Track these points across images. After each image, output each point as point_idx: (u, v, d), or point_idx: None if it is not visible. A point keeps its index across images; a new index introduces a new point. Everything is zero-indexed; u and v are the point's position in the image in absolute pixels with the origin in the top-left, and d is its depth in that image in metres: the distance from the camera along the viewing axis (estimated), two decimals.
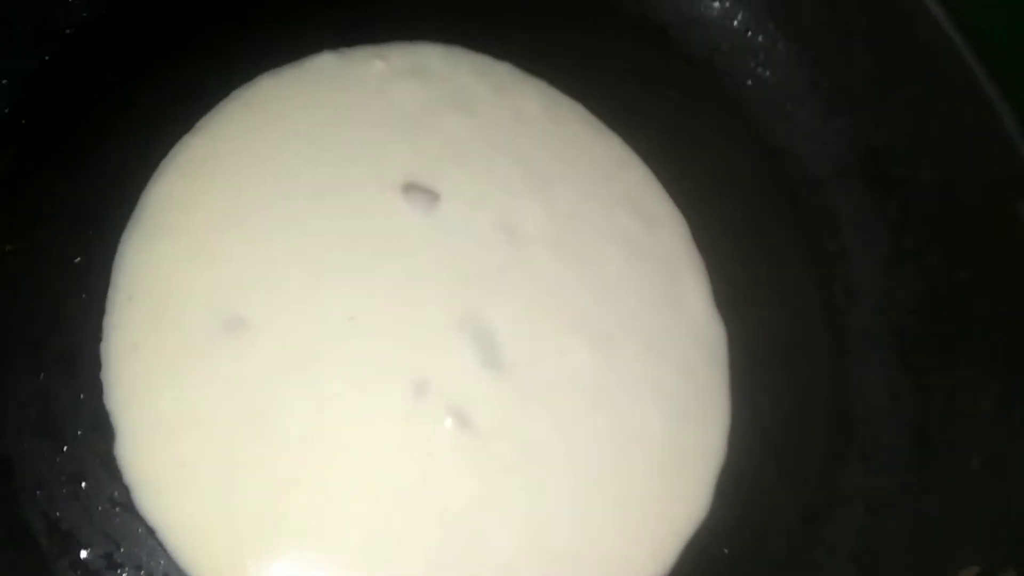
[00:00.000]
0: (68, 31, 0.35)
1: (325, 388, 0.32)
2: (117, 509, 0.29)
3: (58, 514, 0.29)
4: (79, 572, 0.28)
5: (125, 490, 0.29)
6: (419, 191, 0.35)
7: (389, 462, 0.31)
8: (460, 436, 0.32)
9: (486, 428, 0.32)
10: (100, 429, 0.30)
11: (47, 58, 0.34)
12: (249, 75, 0.36)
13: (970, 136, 0.36)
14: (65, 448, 0.29)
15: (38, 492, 0.29)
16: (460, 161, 0.36)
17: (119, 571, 0.29)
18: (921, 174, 0.38)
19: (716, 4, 0.42)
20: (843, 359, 0.38)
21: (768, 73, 0.41)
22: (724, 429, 0.36)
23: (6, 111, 0.33)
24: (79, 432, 0.30)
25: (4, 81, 0.33)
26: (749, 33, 0.41)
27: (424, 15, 0.39)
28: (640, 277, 0.37)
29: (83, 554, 0.29)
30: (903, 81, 0.38)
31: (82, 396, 0.30)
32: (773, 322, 0.38)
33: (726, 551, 0.34)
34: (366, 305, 0.33)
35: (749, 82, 0.41)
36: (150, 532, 0.29)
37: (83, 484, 0.29)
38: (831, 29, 0.40)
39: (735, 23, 0.42)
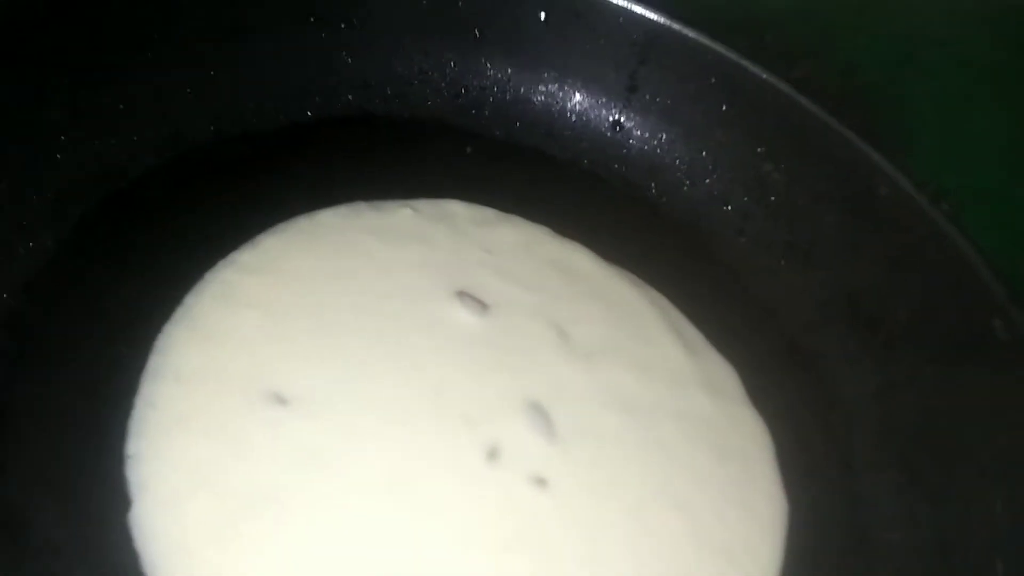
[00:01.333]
0: (130, 171, 0.39)
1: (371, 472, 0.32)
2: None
3: None
4: None
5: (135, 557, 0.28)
6: (470, 298, 0.38)
7: None
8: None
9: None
10: (118, 496, 0.30)
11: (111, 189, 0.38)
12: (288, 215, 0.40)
13: (937, 274, 0.41)
14: (83, 513, 0.29)
15: (53, 555, 0.28)
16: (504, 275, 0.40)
17: None
18: (898, 311, 0.42)
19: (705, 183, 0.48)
20: (854, 484, 0.39)
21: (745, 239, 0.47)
22: None
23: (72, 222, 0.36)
24: (98, 498, 0.29)
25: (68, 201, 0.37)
26: (728, 207, 0.47)
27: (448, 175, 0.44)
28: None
29: None
30: (870, 234, 0.44)
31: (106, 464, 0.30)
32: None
33: None
34: (415, 393, 0.35)
35: (733, 245, 0.47)
36: None
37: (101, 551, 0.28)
38: (799, 197, 0.46)
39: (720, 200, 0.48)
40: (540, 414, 0.36)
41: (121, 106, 0.38)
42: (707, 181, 0.48)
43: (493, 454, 0.34)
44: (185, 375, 0.33)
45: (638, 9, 0.46)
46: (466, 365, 0.37)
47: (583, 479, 0.35)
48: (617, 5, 0.46)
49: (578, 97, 0.49)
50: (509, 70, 0.48)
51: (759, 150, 0.47)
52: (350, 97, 0.45)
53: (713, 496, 0.37)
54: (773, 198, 0.47)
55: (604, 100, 0.48)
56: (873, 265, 0.43)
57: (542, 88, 0.48)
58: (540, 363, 0.38)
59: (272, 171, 0.41)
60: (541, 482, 0.34)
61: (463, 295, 0.39)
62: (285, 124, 0.43)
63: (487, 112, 0.48)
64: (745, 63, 0.45)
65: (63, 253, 0.34)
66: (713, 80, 0.46)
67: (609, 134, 0.49)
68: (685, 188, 0.48)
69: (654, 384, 0.39)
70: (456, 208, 0.43)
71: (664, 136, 0.48)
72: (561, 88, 0.48)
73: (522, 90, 0.48)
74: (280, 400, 0.33)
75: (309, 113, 0.44)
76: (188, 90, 0.41)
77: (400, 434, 0.34)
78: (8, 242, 0.33)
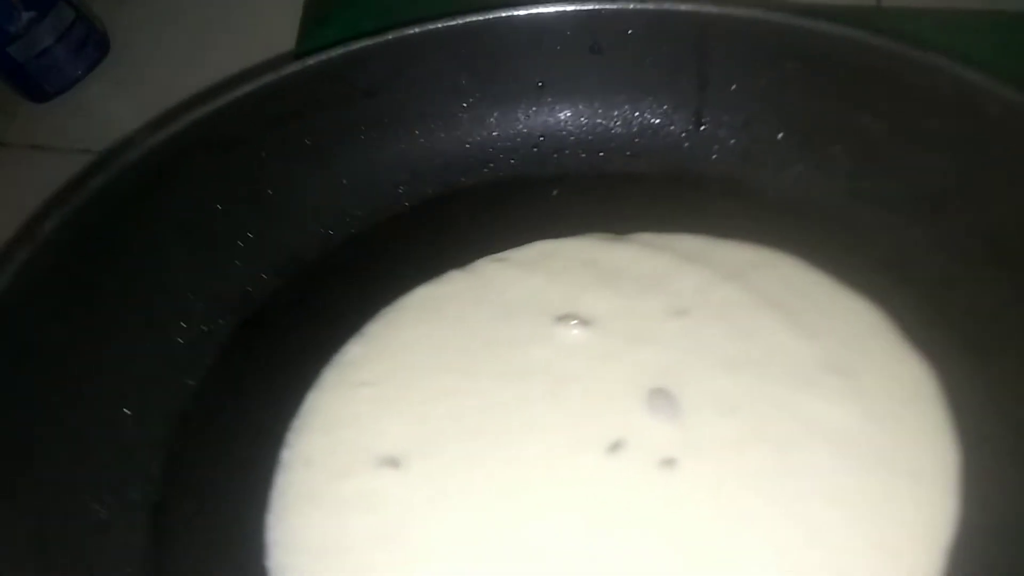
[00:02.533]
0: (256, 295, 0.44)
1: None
2: None
3: None
4: None
5: None
6: (571, 318, 0.40)
7: None
8: None
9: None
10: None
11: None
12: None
13: None
14: None
15: None
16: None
17: None
18: None
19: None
20: None
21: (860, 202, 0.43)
22: None
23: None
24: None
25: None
26: (835, 173, 0.44)
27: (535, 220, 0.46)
28: None
29: None
30: (991, 162, 0.39)
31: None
32: None
33: None
34: (525, 416, 0.37)
35: (848, 211, 0.43)
36: None
37: None
38: (907, 142, 0.42)
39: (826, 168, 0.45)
40: (663, 397, 0.37)
41: (240, 242, 0.44)
42: (806, 152, 0.45)
43: (616, 446, 0.35)
44: (312, 460, 0.36)
45: (684, 7, 0.45)
46: (578, 371, 0.38)
47: (715, 455, 0.35)
48: (661, 10, 0.45)
49: (653, 110, 0.48)
50: (579, 105, 0.49)
51: (851, 105, 0.43)
52: (434, 179, 0.48)
53: (868, 483, 0.34)
54: (879, 152, 0.43)
55: (679, 104, 0.48)
56: (1002, 196, 0.38)
57: (615, 113, 0.48)
58: (659, 348, 0.38)
59: (374, 263, 0.44)
60: (669, 463, 0.35)
61: (563, 318, 0.40)
62: (381, 218, 0.47)
63: (567, 152, 0.49)
64: (805, 22, 0.43)
65: (206, 378, 0.41)
66: (780, 49, 0.44)
67: (695, 135, 0.48)
68: (785, 165, 0.46)
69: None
70: (545, 247, 0.44)
71: (750, 120, 0.46)
72: (634, 107, 0.48)
73: (598, 120, 0.49)
74: (393, 462, 0.36)
75: (407, 203, 0.48)
76: (295, 211, 0.46)
77: (517, 456, 0.36)
78: (160, 377, 0.40)
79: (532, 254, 0.43)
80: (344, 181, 0.46)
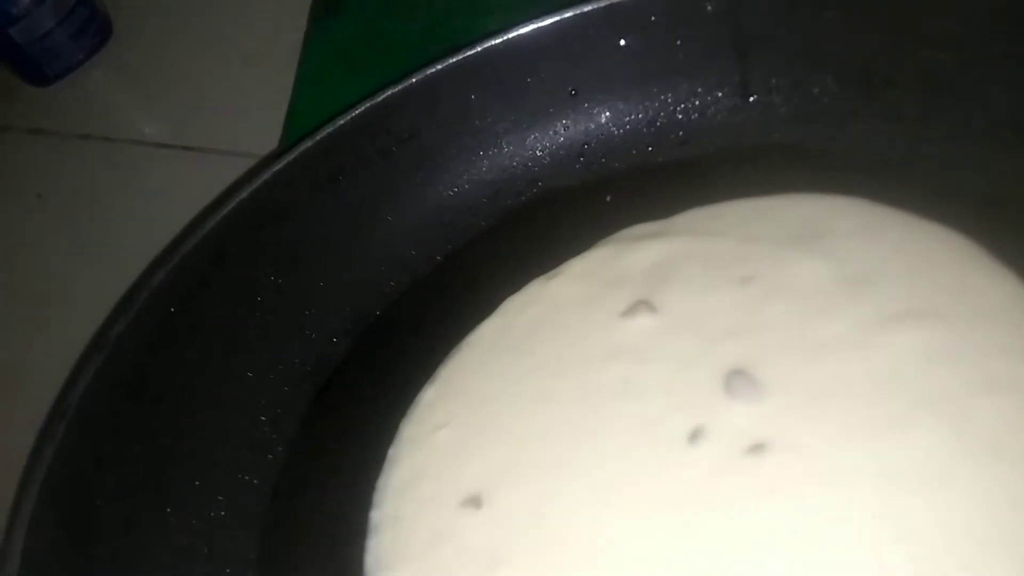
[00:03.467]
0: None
1: None
2: None
3: None
4: None
5: None
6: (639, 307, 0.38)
7: None
8: None
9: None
10: None
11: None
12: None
13: None
14: None
15: None
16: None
17: None
18: None
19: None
20: None
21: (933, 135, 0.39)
22: None
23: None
24: None
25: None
26: (900, 116, 0.41)
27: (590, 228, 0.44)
28: None
29: None
30: None
31: None
32: None
33: None
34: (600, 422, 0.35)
35: (921, 151, 0.40)
36: None
37: None
38: (975, 67, 0.38)
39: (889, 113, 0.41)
40: (742, 378, 0.34)
41: (307, 311, 0.45)
42: (866, 101, 0.42)
43: (696, 435, 0.33)
44: (400, 516, 0.36)
45: None
46: (650, 369, 0.36)
47: (807, 436, 0.32)
48: None
49: (696, 91, 0.46)
50: (618, 104, 0.47)
51: (905, 41, 0.40)
52: (485, 210, 0.47)
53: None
54: (947, 85, 0.39)
55: (722, 79, 0.45)
56: None
57: (656, 103, 0.46)
58: (735, 329, 0.36)
59: (437, 306, 0.43)
60: (758, 448, 0.32)
61: (629, 311, 0.38)
62: (438, 260, 0.46)
63: (615, 152, 0.47)
64: None
65: (291, 451, 0.41)
66: None
67: (744, 108, 0.45)
68: (847, 120, 0.42)
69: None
70: (602, 253, 0.42)
71: (799, 80, 0.43)
72: (675, 93, 0.46)
73: (639, 115, 0.47)
74: (476, 501, 0.35)
75: (461, 240, 0.47)
76: (353, 271, 0.46)
77: (600, 467, 0.34)
78: (247, 459, 0.40)
79: (591, 262, 0.42)
80: (396, 231, 0.46)
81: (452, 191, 0.47)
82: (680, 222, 0.43)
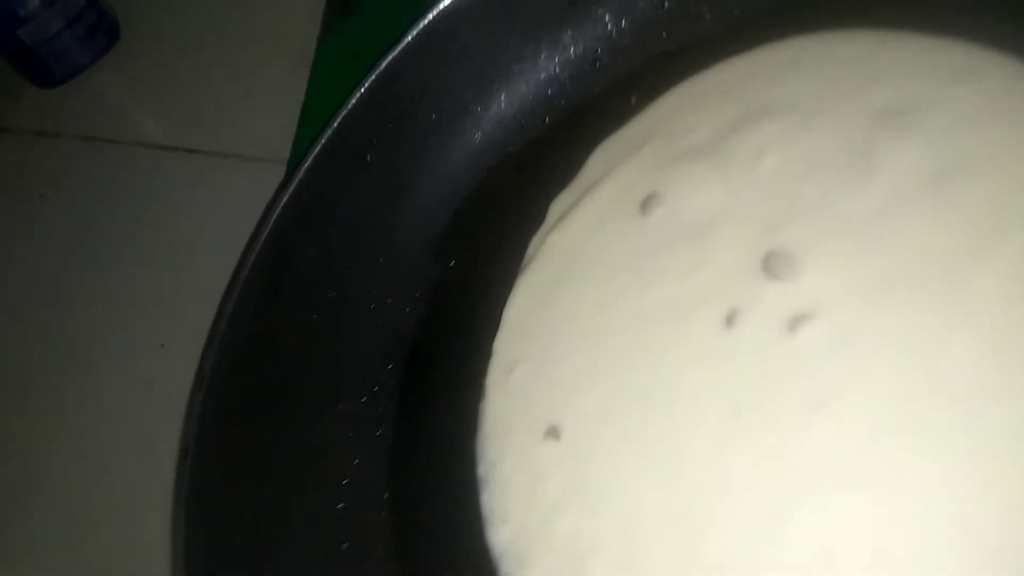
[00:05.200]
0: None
1: None
2: None
3: None
4: None
5: None
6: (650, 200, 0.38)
7: None
8: None
9: None
10: None
11: None
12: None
13: None
14: None
15: None
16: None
17: None
18: None
19: None
20: None
21: None
22: None
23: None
24: None
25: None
26: None
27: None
28: None
29: None
30: None
31: None
32: None
33: None
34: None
35: None
36: None
37: None
38: None
39: None
40: (777, 257, 0.33)
41: (374, 289, 0.46)
42: None
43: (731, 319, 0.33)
44: (499, 463, 0.37)
45: None
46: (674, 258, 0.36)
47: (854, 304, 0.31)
48: None
49: None
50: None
51: None
52: (513, 140, 0.47)
53: None
54: None
55: None
56: None
57: None
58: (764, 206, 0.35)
59: (487, 254, 0.44)
60: (798, 320, 0.31)
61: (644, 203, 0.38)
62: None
63: (631, 53, 0.45)
64: None
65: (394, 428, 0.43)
66: None
67: None
68: None
69: None
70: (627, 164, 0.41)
71: None
72: None
73: (642, 5, 0.45)
74: (554, 433, 0.36)
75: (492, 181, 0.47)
76: (403, 241, 0.47)
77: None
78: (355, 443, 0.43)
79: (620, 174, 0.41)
80: (434, 188, 0.47)
81: (478, 134, 0.47)
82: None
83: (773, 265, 0.33)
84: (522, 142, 0.47)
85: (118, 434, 0.50)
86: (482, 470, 0.38)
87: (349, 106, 0.45)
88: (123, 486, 0.49)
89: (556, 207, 0.41)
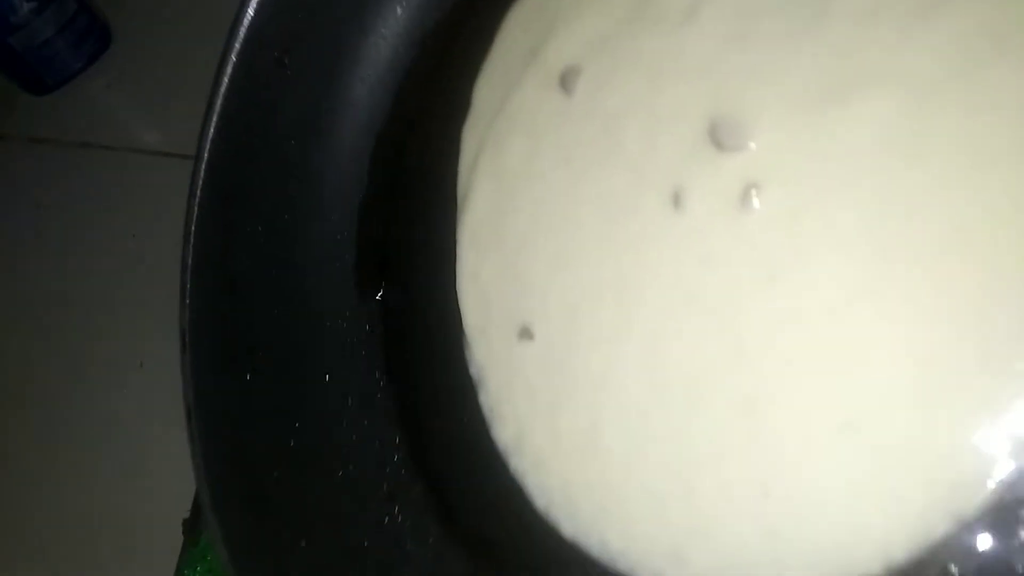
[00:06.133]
0: None
1: None
2: None
3: None
4: None
5: None
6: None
7: None
8: None
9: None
10: None
11: None
12: None
13: None
14: None
15: None
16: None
17: None
18: None
19: None
20: None
21: None
22: None
23: None
24: None
25: None
26: None
27: None
28: None
29: None
30: None
31: None
32: None
33: None
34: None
35: None
36: None
37: None
38: None
39: None
40: (723, 125, 0.32)
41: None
42: None
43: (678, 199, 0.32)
44: (486, 367, 0.37)
45: None
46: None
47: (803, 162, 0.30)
48: None
49: None
50: None
51: None
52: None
53: None
54: None
55: None
56: None
57: None
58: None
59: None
60: (750, 190, 0.31)
61: (562, 79, 0.36)
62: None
63: None
64: None
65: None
66: None
67: None
68: None
69: None
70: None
71: None
72: None
73: None
74: (528, 333, 0.36)
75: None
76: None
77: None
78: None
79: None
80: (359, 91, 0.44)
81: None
82: None
83: (720, 134, 0.32)
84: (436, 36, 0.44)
85: (115, 434, 0.52)
86: (474, 372, 0.39)
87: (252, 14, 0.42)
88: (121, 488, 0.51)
89: (480, 94, 0.39)
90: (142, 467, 0.48)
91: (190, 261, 0.40)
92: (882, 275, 0.28)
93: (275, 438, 0.40)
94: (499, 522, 0.36)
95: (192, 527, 0.44)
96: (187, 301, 0.40)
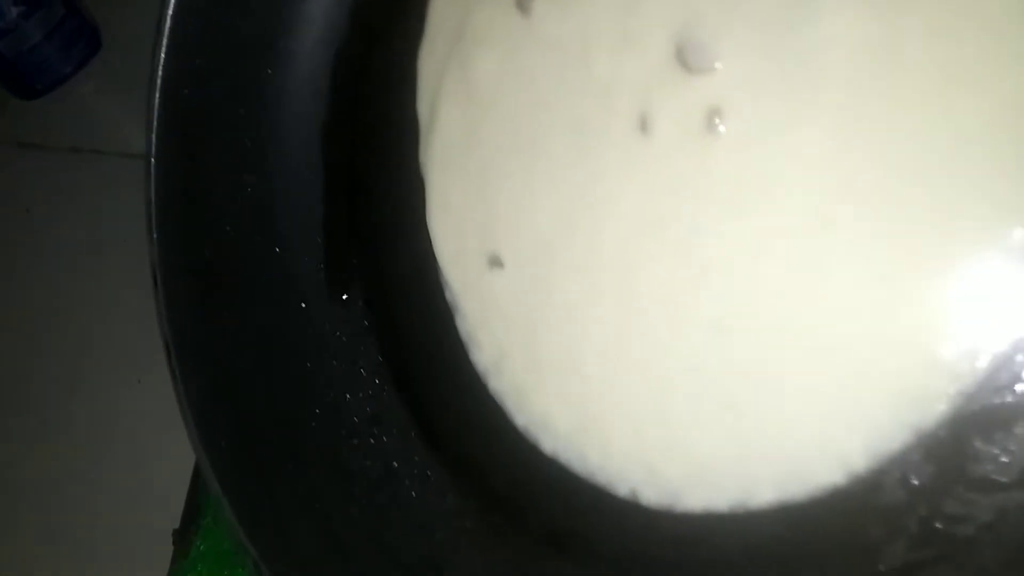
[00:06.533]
0: None
1: None
2: None
3: None
4: None
5: None
6: None
7: None
8: None
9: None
10: None
11: None
12: None
13: None
14: None
15: None
16: None
17: None
18: None
19: None
20: None
21: None
22: None
23: None
24: None
25: None
26: None
27: None
28: None
29: None
30: None
31: None
32: None
33: None
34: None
35: None
36: None
37: None
38: None
39: None
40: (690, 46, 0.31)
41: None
42: None
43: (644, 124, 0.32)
44: (458, 289, 0.38)
45: None
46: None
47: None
48: None
49: None
50: None
51: None
52: None
53: None
54: None
55: None
56: None
57: None
58: None
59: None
60: (716, 114, 0.30)
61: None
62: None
63: None
64: None
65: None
66: None
67: None
68: None
69: None
70: None
71: None
72: None
73: None
74: (498, 262, 0.36)
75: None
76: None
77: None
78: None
79: None
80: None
81: None
82: None
83: (687, 56, 0.31)
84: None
85: (105, 445, 0.53)
86: (449, 298, 0.39)
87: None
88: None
89: (436, 13, 0.38)
90: (132, 477, 0.49)
91: (153, 195, 0.40)
92: (849, 197, 0.29)
93: (257, 369, 0.41)
94: (481, 440, 0.38)
95: (182, 537, 0.45)
96: (154, 236, 0.40)
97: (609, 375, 0.34)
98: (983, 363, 0.27)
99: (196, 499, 0.45)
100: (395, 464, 0.40)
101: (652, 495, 0.33)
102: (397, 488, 0.39)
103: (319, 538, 0.36)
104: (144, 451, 0.47)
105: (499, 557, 0.36)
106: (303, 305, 0.43)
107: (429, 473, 0.39)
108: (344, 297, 0.43)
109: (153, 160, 0.39)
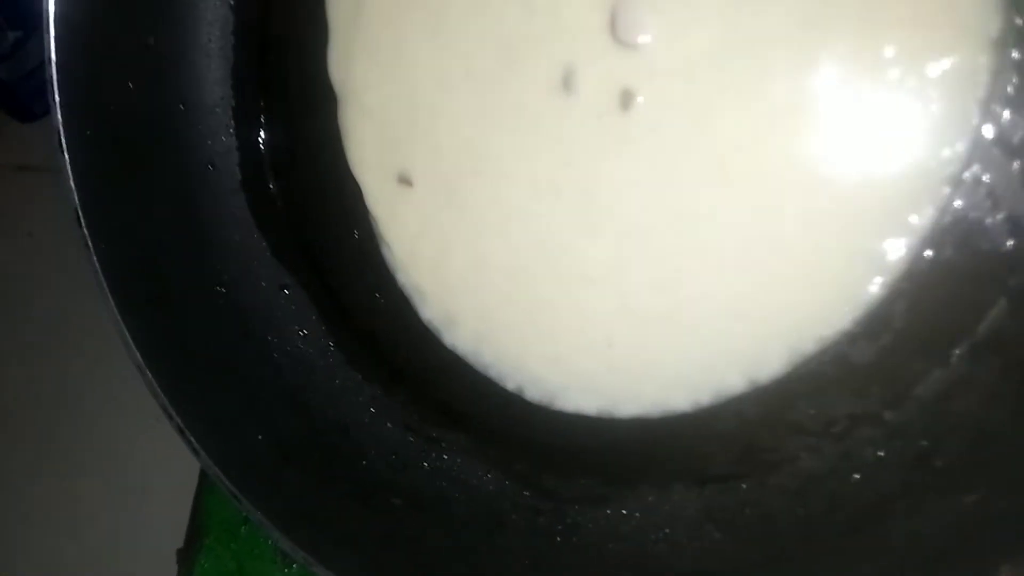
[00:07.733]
0: None
1: None
2: None
3: None
4: None
5: None
6: None
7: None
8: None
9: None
10: None
11: None
12: None
13: None
14: None
15: None
16: None
17: None
18: None
19: None
20: None
21: None
22: None
23: None
24: None
25: None
26: None
27: None
28: None
29: None
30: None
31: None
32: None
33: None
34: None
35: None
36: None
37: None
38: None
39: None
40: (624, 17, 0.33)
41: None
42: None
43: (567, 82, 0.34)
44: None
45: None
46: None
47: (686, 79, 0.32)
48: None
49: None
50: None
51: None
52: None
53: None
54: None
55: None
56: None
57: None
58: None
59: None
60: (631, 94, 0.33)
61: None
62: None
63: None
64: None
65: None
66: None
67: None
68: None
69: None
70: None
71: None
72: None
73: None
74: (406, 180, 0.38)
75: None
76: None
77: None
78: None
79: None
80: None
81: None
82: None
83: (619, 25, 0.33)
84: None
85: (109, 465, 0.54)
86: (365, 201, 0.41)
87: None
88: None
89: None
90: (136, 497, 0.49)
91: (54, 55, 0.38)
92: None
93: (169, 233, 0.42)
94: (386, 325, 0.42)
95: (186, 557, 0.46)
96: (56, 98, 0.38)
97: (508, 288, 0.38)
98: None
99: (199, 519, 0.46)
100: (302, 333, 0.44)
101: (535, 393, 0.39)
102: (302, 357, 0.43)
103: (238, 406, 0.40)
104: (148, 472, 0.48)
105: (400, 424, 0.42)
106: (211, 168, 0.44)
107: (331, 344, 0.43)
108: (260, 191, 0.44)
109: (54, 55, 0.36)
